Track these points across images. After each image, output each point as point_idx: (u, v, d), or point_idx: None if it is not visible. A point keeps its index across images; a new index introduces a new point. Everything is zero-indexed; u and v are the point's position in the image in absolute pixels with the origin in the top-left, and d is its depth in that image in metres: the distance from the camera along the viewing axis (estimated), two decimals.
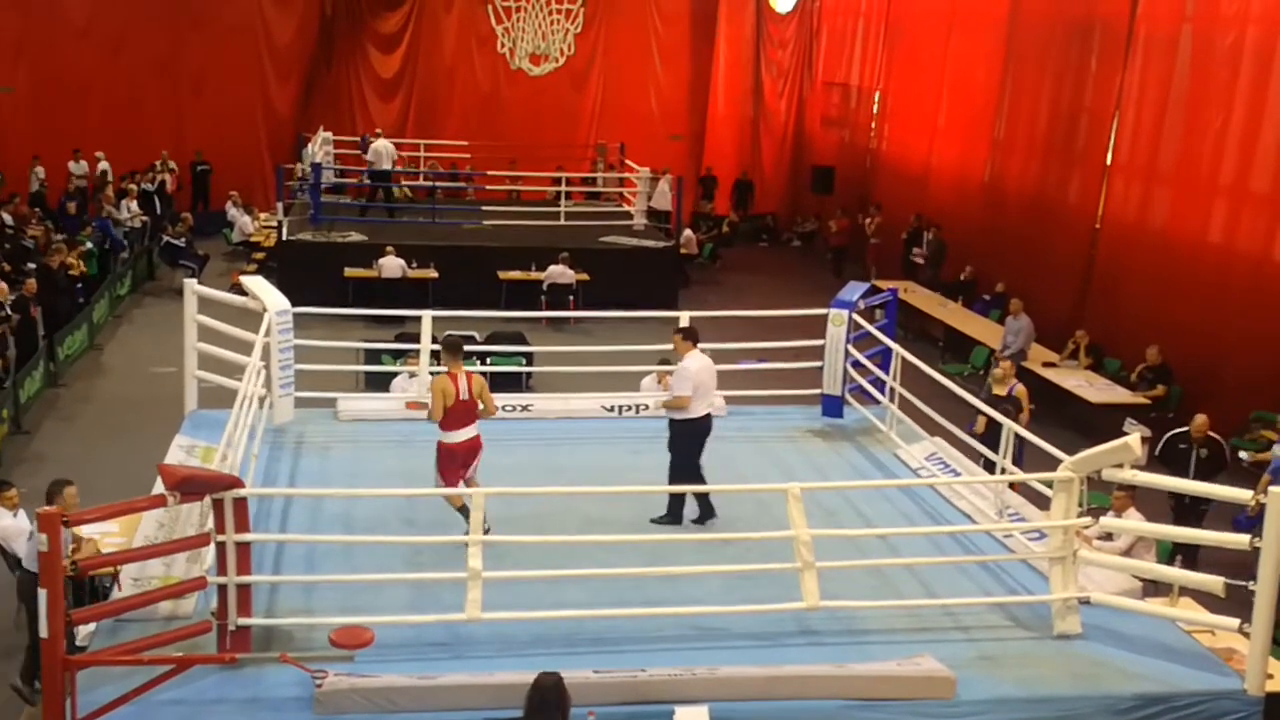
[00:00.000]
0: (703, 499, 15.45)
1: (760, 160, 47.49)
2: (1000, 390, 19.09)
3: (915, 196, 36.91)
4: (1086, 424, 22.34)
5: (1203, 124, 24.97)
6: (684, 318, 19.51)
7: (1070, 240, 29.21)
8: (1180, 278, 25.22)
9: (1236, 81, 24.14)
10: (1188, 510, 17.26)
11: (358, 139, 39.86)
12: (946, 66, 36.22)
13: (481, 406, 14.90)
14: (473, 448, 14.79)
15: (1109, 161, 28.05)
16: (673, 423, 15.55)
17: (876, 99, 41.39)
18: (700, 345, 15.69)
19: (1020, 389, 19.30)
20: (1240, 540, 12.78)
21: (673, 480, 15.35)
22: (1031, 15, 31.74)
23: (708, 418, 15.61)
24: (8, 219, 33.12)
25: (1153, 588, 14.62)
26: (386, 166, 36.59)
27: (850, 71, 43.50)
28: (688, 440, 15.48)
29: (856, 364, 19.07)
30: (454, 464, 14.61)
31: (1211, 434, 18.55)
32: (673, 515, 15.33)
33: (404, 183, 40.09)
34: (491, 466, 16.21)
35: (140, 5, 41.25)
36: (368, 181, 37.90)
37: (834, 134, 44.74)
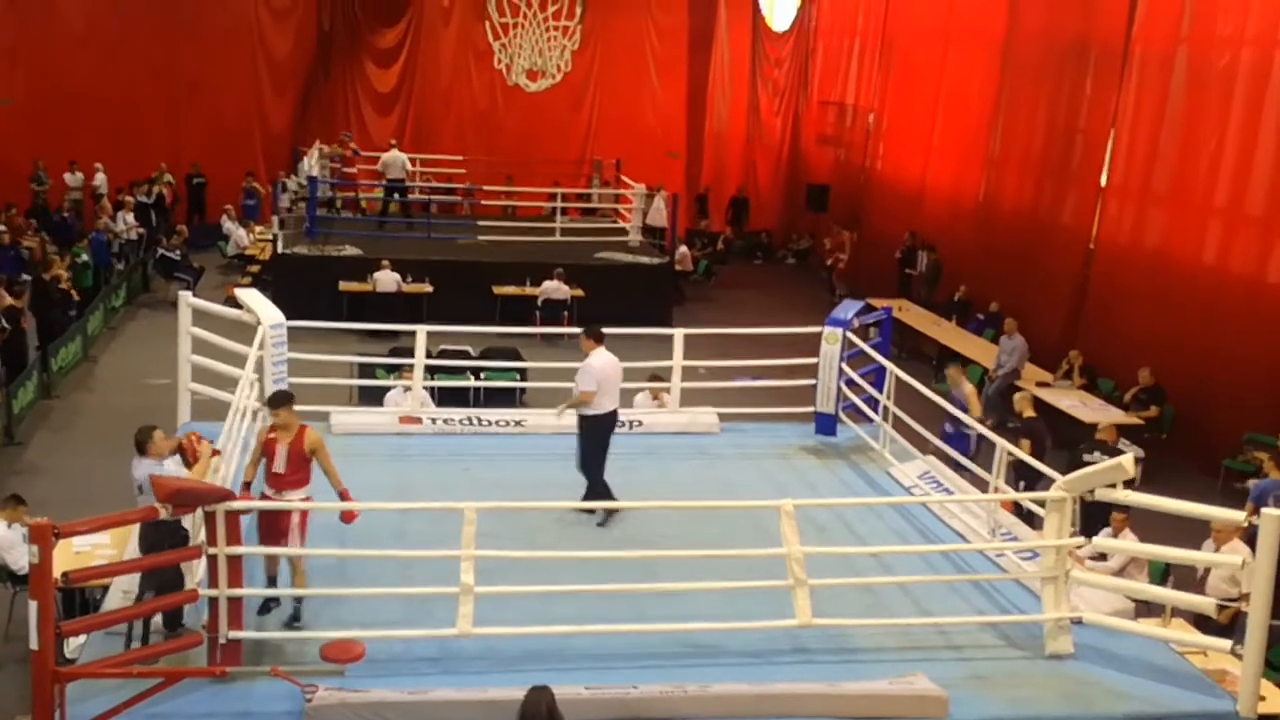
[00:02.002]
0: (603, 491, 15.96)
1: (756, 178, 47.53)
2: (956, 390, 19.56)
3: (910, 215, 36.92)
4: (1080, 444, 22.30)
5: (1197, 145, 25.00)
6: (678, 335, 19.60)
7: (1065, 260, 29.23)
8: (1174, 299, 25.22)
9: (1231, 103, 24.17)
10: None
11: (343, 147, 39.84)
12: (942, 86, 36.26)
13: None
14: None
15: (1104, 182, 28.06)
16: (580, 418, 16.10)
17: (871, 118, 41.39)
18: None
19: (968, 389, 19.46)
20: (1233, 561, 12.82)
21: (584, 471, 16.00)
22: (1027, 35, 31.77)
23: (613, 413, 16.23)
24: (3, 229, 33.11)
25: (1145, 608, 14.61)
26: (399, 176, 36.67)
27: (846, 90, 43.53)
28: (594, 435, 16.09)
29: (850, 382, 19.06)
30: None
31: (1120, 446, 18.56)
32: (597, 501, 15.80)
33: (397, 196, 40.05)
34: (484, 482, 16.25)
35: (137, 16, 41.25)
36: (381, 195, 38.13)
37: (829, 152, 44.75)
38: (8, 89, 39.61)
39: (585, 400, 15.95)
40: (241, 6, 42.83)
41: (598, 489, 15.89)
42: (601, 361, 16.07)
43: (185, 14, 41.86)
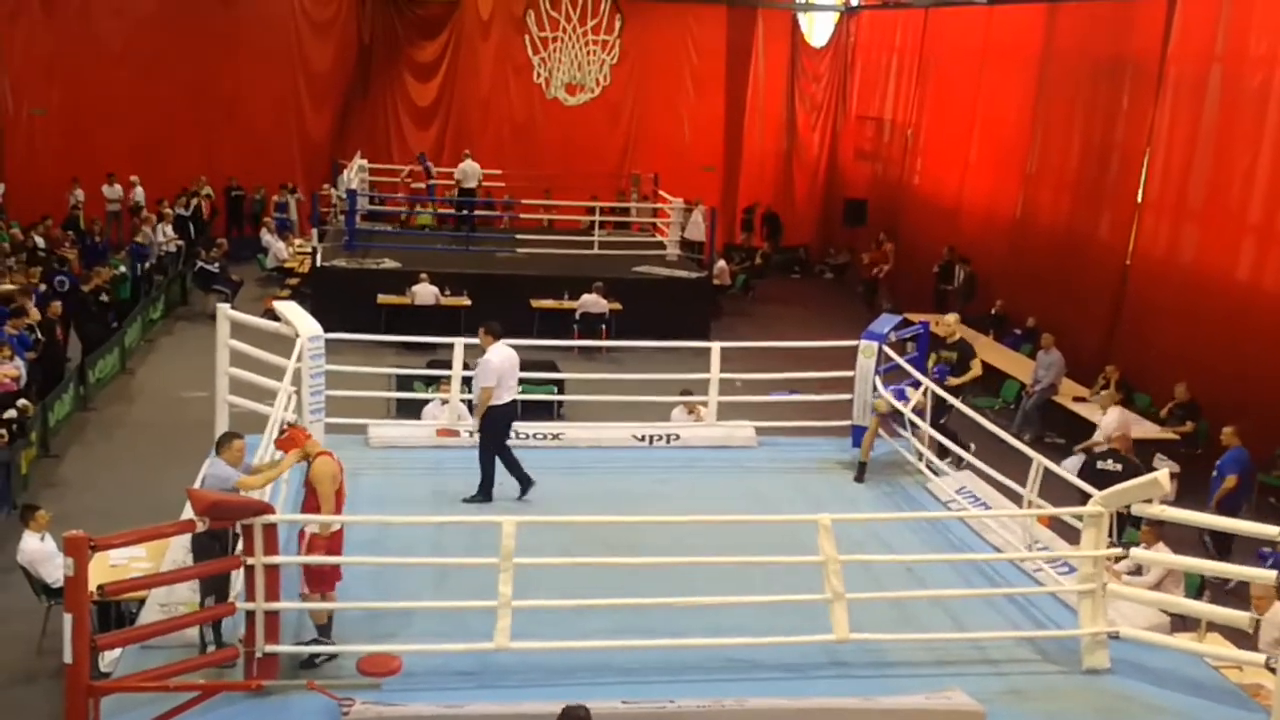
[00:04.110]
0: (518, 475, 17.01)
1: (793, 192, 47.41)
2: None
3: (947, 230, 36.87)
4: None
5: (1231, 163, 25.02)
6: (715, 349, 19.61)
7: (1101, 276, 29.18)
8: (1209, 314, 25.19)
9: (1265, 121, 24.17)
10: None
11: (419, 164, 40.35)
12: (979, 102, 36.23)
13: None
14: None
15: (1139, 199, 28.06)
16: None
17: (909, 133, 41.35)
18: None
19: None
20: (1268, 575, 12.79)
21: (483, 461, 16.96)
22: (1063, 53, 31.76)
23: (512, 404, 17.12)
24: (40, 241, 33.26)
25: (1180, 622, 14.58)
26: (472, 185, 36.98)
27: (884, 106, 43.51)
28: (494, 425, 16.91)
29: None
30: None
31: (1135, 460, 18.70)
32: (484, 495, 16.88)
33: (435, 210, 40.31)
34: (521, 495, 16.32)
35: (176, 31, 41.26)
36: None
37: (867, 167, 44.71)
38: (44, 102, 39.81)
39: (485, 398, 16.73)
40: (281, 21, 42.91)
41: (488, 480, 16.83)
42: (499, 356, 16.92)
43: (224, 28, 41.89)
